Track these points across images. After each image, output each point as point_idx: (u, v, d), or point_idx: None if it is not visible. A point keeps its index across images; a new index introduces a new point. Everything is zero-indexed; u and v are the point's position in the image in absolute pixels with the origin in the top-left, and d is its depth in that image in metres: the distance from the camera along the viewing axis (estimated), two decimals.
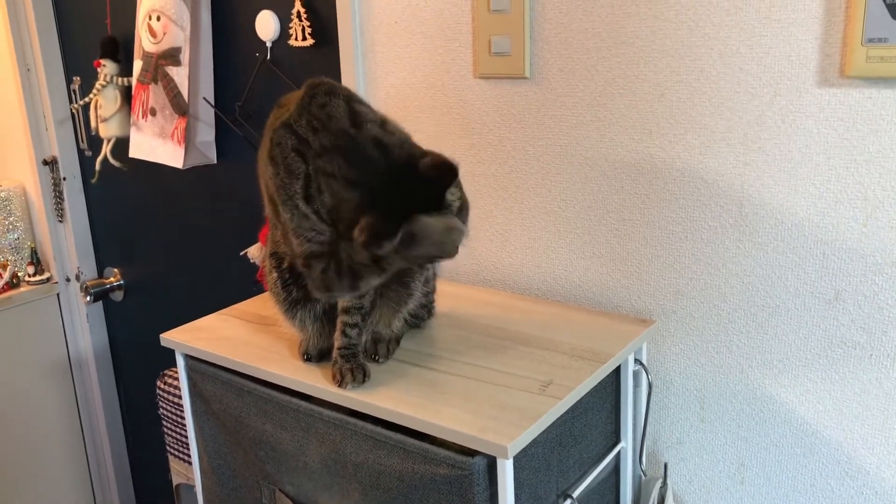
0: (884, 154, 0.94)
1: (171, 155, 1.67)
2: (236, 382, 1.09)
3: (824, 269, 1.01)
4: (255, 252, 1.65)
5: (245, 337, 1.14)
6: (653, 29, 1.06)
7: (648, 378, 1.13)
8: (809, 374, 1.05)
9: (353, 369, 0.97)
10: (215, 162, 1.72)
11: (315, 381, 0.99)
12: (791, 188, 1.01)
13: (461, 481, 0.86)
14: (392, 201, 0.85)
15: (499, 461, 0.85)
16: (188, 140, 1.65)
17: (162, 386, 1.74)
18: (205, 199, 1.81)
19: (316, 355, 1.03)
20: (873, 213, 0.96)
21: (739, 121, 1.03)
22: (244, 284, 1.75)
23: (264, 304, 1.25)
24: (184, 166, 1.65)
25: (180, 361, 1.16)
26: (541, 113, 1.19)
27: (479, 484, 0.86)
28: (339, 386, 0.96)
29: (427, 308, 1.11)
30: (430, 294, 1.10)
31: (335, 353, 0.99)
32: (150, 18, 1.63)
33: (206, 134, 1.69)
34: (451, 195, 0.87)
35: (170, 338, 1.15)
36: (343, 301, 0.98)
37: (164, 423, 1.77)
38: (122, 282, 2.10)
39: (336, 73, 1.41)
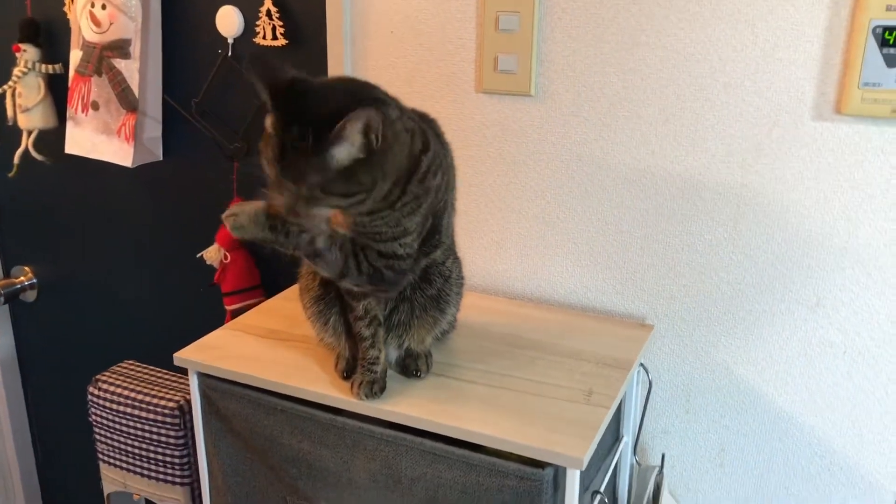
0: (867, 181, 1.08)
1: (117, 152, 1.57)
2: (265, 401, 1.07)
3: (808, 279, 1.15)
4: (212, 254, 1.60)
5: (266, 354, 1.12)
6: (661, 58, 1.15)
7: (648, 377, 1.24)
8: (790, 369, 1.19)
9: (373, 382, 1.01)
10: (161, 159, 1.63)
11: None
12: (783, 208, 1.13)
13: (530, 492, 0.92)
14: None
15: (569, 471, 0.91)
16: (137, 137, 1.55)
17: (95, 392, 1.65)
18: (145, 197, 1.72)
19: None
20: (854, 231, 1.10)
21: (739, 147, 1.14)
22: (189, 287, 1.68)
23: (269, 317, 1.23)
24: (133, 164, 1.56)
25: (193, 380, 1.12)
26: (544, 129, 1.25)
27: (547, 493, 0.92)
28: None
29: (451, 323, 1.14)
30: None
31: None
32: (92, 6, 1.52)
33: (154, 130, 1.60)
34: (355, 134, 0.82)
35: (185, 357, 1.11)
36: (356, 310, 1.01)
37: (97, 429, 1.68)
38: (34, 280, 1.94)
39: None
